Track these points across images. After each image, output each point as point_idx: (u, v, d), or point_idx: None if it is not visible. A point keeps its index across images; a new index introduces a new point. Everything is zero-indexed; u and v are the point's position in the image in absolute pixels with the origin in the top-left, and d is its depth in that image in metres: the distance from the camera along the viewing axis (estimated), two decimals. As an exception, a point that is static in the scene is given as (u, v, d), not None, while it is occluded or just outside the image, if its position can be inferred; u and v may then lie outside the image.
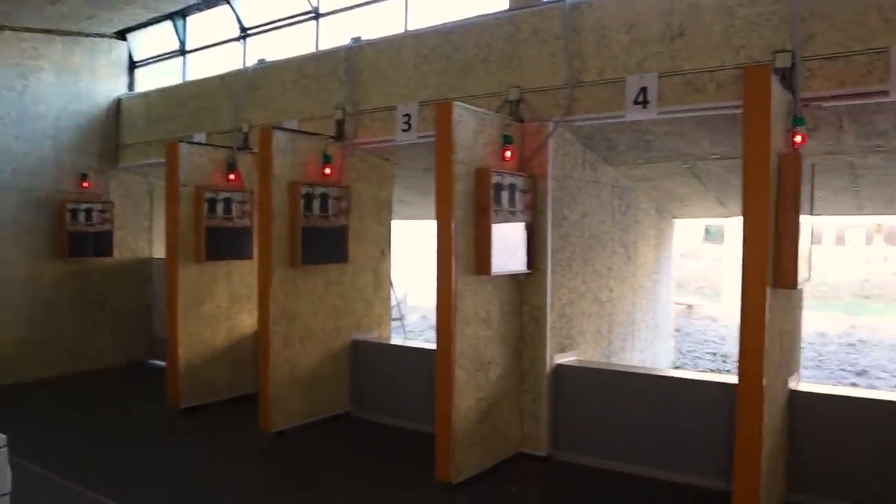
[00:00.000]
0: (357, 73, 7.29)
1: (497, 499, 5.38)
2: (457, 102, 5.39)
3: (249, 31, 9.00)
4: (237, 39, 9.12)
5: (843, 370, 11.42)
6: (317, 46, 8.12)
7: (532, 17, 6.15)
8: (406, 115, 6.61)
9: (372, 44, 7.26)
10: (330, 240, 7.01)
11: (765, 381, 4.30)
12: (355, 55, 7.31)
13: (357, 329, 7.53)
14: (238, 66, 8.91)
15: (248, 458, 6.33)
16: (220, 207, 7.65)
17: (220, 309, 7.89)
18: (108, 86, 10.14)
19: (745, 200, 4.36)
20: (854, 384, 10.80)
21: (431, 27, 6.87)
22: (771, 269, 4.38)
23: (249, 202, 7.87)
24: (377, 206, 7.74)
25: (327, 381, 7.23)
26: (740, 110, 4.47)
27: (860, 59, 4.75)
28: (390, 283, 8.08)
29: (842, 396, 5.49)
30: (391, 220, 7.97)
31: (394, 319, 8.62)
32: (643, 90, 5.50)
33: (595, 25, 5.80)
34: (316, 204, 6.80)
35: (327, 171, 6.96)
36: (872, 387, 10.73)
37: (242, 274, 8.03)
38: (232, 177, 7.81)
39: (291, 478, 5.80)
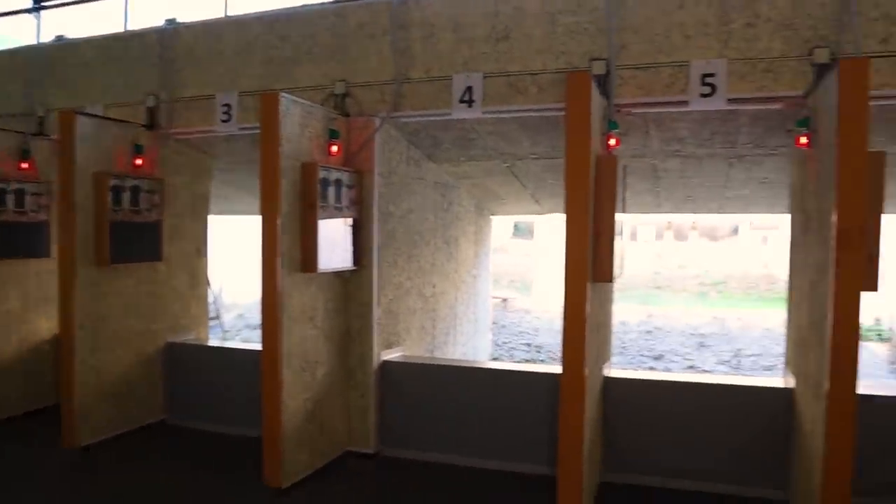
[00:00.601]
0: (172, 58, 6.83)
1: (326, 500, 5.27)
2: (283, 93, 5.21)
3: (45, 4, 8.14)
4: (30, 11, 8.21)
5: (642, 355, 12.43)
6: (126, 26, 7.51)
7: (359, 10, 6.09)
8: (226, 104, 6.29)
9: (189, 27, 6.83)
10: (142, 236, 6.51)
11: (586, 371, 4.55)
12: (170, 38, 6.85)
13: (172, 331, 7.08)
14: (32, 41, 8.03)
15: (50, 477, 5.63)
16: (10, 200, 6.85)
17: (11, 314, 7.06)
18: None
19: (568, 200, 4.56)
20: (653, 368, 11.75)
21: (254, 14, 6.59)
22: (590, 265, 4.65)
23: (46, 194, 7.12)
24: (194, 200, 7.32)
25: (139, 388, 6.73)
26: (561, 113, 4.67)
27: (666, 71, 5.16)
28: (207, 282, 7.68)
29: (647, 380, 5.96)
30: (208, 215, 7.57)
31: (211, 319, 8.21)
32: (469, 89, 5.62)
33: (422, 22, 5.85)
34: (126, 197, 6.29)
35: (138, 162, 6.46)
36: (668, 369, 11.74)
37: (39, 273, 7.22)
38: (25, 165, 7.02)
39: (100, 497, 5.25)
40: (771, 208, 10.26)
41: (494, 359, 11.96)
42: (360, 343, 6.11)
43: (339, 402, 6.03)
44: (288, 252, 5.29)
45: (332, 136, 5.72)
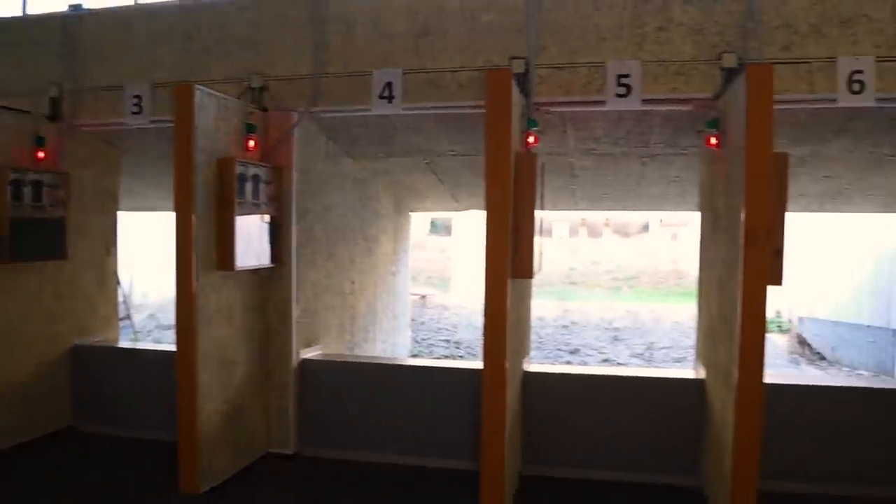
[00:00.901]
0: (77, 46, 6.51)
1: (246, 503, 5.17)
2: (198, 86, 5.06)
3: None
4: None
5: (559, 350, 12.68)
6: (24, 10, 7.11)
7: (277, 1, 5.97)
8: (136, 96, 6.04)
9: (96, 14, 6.53)
10: (45, 233, 6.17)
11: (507, 366, 4.61)
12: (75, 25, 6.52)
13: (79, 333, 6.77)
14: None
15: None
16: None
17: None
18: None
19: (488, 197, 4.59)
20: (569, 362, 12.00)
21: (167, 2, 6.37)
22: (510, 261, 4.71)
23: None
24: (102, 196, 7.00)
25: (44, 393, 6.40)
26: (481, 111, 4.68)
27: (583, 71, 5.28)
28: (117, 281, 7.38)
29: (565, 374, 6.11)
30: (118, 211, 7.27)
31: (120, 320, 7.91)
32: (389, 85, 5.58)
33: (342, 16, 5.79)
34: (27, 192, 5.94)
35: (41, 154, 6.13)
36: (584, 363, 12.03)
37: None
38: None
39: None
40: (680, 206, 10.60)
41: (414, 355, 11.99)
42: (279, 342, 6.00)
43: (258, 403, 5.92)
44: (204, 250, 5.15)
45: (249, 130, 5.60)
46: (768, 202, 4.26)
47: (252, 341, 5.81)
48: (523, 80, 5.22)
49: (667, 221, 35.41)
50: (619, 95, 5.20)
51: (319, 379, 6.12)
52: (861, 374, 13.22)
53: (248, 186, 5.43)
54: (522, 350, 5.69)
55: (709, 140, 5.04)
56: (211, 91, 5.22)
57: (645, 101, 5.20)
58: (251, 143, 5.60)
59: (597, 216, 35.31)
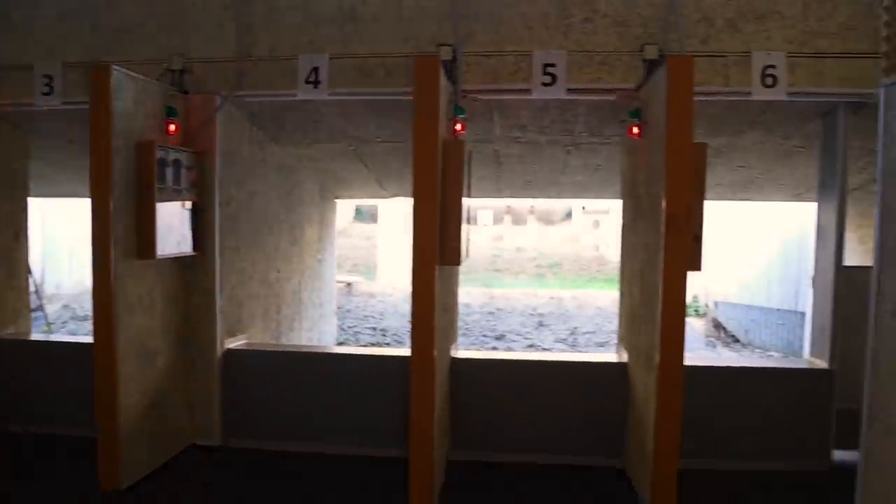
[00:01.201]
0: (-22, 22, 6.16)
1: (168, 499, 5.05)
2: (115, 66, 4.88)
3: None
4: None
5: (484, 336, 12.80)
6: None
7: (198, -18, 5.80)
8: (47, 76, 5.78)
9: (0, -12, 6.20)
10: (-53, 220, 5.87)
11: (435, 353, 4.65)
12: (-24, 0, 6.18)
13: (-14, 326, 6.46)
14: None
15: None
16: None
17: None
18: None
19: (416, 184, 4.60)
20: (495, 347, 12.14)
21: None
22: (438, 249, 4.73)
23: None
24: (9, 181, 6.65)
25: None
26: (408, 97, 4.68)
27: (510, 59, 5.34)
28: (28, 271, 7.06)
29: (492, 359, 6.20)
30: (27, 198, 6.94)
31: (32, 311, 7.57)
32: (315, 70, 5.52)
33: (267, -1, 5.67)
34: (-73, 177, 5.64)
35: (-59, 137, 5.82)
36: (510, 348, 12.18)
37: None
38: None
39: None
40: (602, 194, 10.85)
41: (341, 343, 11.92)
42: (202, 332, 5.87)
43: (181, 395, 5.79)
44: (122, 237, 4.98)
45: (170, 113, 5.43)
46: (688, 190, 4.43)
47: (174, 332, 5.67)
48: (451, 68, 5.25)
49: (589, 209, 36.20)
50: (545, 84, 5.29)
51: (245, 368, 6.02)
52: (772, 355, 13.90)
53: (169, 171, 5.27)
54: (450, 337, 5.74)
55: (631, 129, 5.17)
56: (129, 72, 5.03)
57: (570, 91, 5.30)
58: (172, 127, 5.44)
59: (522, 204, 35.77)
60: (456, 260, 4.88)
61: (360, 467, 5.56)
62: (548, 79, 5.27)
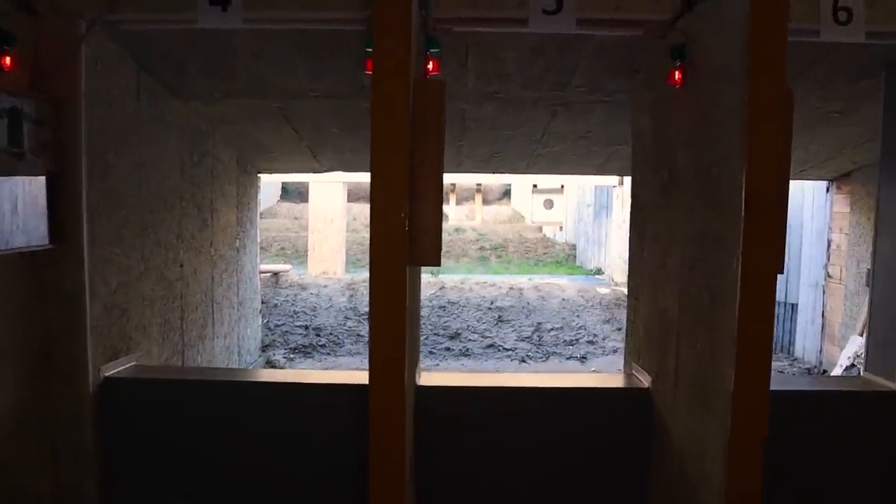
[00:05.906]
0: None
1: None
2: None
3: None
4: None
5: (437, 335, 11.59)
6: None
7: None
8: None
9: None
10: None
11: (406, 380, 3.33)
12: None
13: None
14: None
15: None
16: None
17: None
18: None
19: (375, 146, 3.28)
20: (449, 348, 10.96)
21: None
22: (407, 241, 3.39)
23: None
24: None
25: None
26: (360, 26, 3.55)
27: (499, -26, 4.03)
28: None
29: (468, 388, 4.91)
30: None
31: None
32: (224, -16, 4.04)
33: None
34: None
35: None
36: (466, 349, 11.05)
37: None
38: None
39: None
40: (579, 168, 9.82)
41: (266, 346, 10.50)
42: (66, 356, 4.35)
43: (35, 450, 4.28)
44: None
45: (5, 41, 3.86)
46: (780, 156, 3.19)
47: (21, 359, 4.15)
48: (420, -16, 3.87)
49: (542, 187, 35.30)
50: (548, 12, 3.97)
51: (132, 404, 4.59)
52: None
53: (3, 126, 3.73)
54: (414, 357, 4.42)
55: (672, 74, 3.95)
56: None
57: (580, 23, 4.01)
58: (7, 61, 3.86)
59: (467, 180, 34.64)
60: (433, 257, 3.52)
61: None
62: (552, 4, 3.95)
